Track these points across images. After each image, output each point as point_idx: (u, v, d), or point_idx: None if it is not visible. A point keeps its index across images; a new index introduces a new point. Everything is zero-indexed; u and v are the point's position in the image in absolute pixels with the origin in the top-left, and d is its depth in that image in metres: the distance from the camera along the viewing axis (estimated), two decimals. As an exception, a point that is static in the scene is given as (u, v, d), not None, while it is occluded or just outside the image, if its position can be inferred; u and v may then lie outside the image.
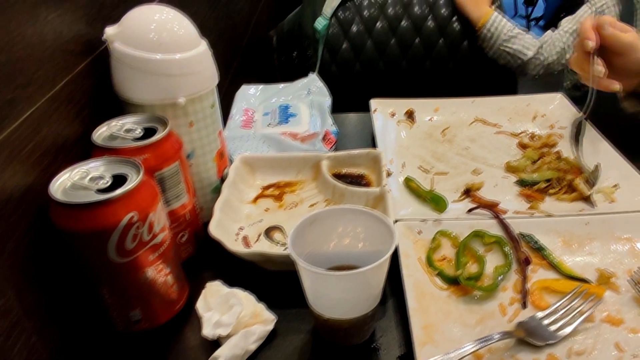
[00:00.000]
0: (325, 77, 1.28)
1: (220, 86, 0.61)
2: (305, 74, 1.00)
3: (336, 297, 0.47)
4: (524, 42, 1.24)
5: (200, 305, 0.51)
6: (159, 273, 0.49)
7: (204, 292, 0.53)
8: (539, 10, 3.88)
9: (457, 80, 1.31)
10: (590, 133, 0.85)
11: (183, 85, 0.56)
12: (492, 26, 1.21)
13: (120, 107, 0.57)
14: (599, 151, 0.80)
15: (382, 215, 0.49)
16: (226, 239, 0.58)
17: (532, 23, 3.90)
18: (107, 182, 0.45)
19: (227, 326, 0.48)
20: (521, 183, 0.75)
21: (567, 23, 1.22)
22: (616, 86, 0.77)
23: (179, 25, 0.56)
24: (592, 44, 0.76)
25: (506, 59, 1.24)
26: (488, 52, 1.25)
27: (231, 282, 0.55)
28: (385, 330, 0.54)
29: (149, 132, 0.53)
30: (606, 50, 0.78)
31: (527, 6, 3.89)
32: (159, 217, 0.48)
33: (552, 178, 0.74)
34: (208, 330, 0.49)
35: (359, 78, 1.29)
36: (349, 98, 1.02)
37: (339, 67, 1.27)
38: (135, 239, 0.45)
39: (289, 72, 1.29)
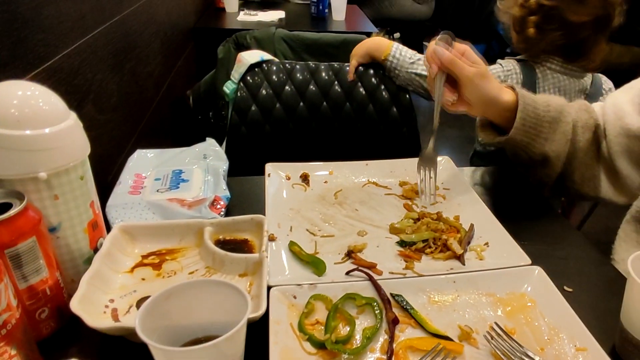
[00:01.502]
0: (235, 138, 1.32)
1: (121, 149, 0.62)
2: (221, 133, 1.02)
3: (188, 371, 0.47)
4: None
5: (49, 387, 0.49)
6: (1, 357, 0.47)
7: (56, 372, 0.51)
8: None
9: (366, 140, 1.38)
10: (469, 194, 0.92)
11: (45, 160, 0.56)
12: (395, 54, 1.30)
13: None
14: (474, 210, 0.87)
15: (238, 287, 0.50)
16: (91, 313, 0.57)
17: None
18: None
19: (73, 409, 0.47)
20: (401, 244, 0.79)
21: None
22: (463, 109, 0.87)
23: (43, 100, 0.57)
24: (432, 72, 0.85)
25: (415, 82, 1.31)
26: (397, 79, 1.32)
27: (99, 358, 0.54)
28: (252, 400, 0.54)
29: (4, 208, 0.52)
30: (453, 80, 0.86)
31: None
32: (1, 297, 0.46)
33: (428, 238, 0.78)
34: (53, 415, 0.47)
35: (270, 138, 1.33)
36: (260, 159, 1.05)
37: (249, 128, 1.30)
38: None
39: (205, 132, 1.31)
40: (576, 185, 0.95)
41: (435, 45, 0.85)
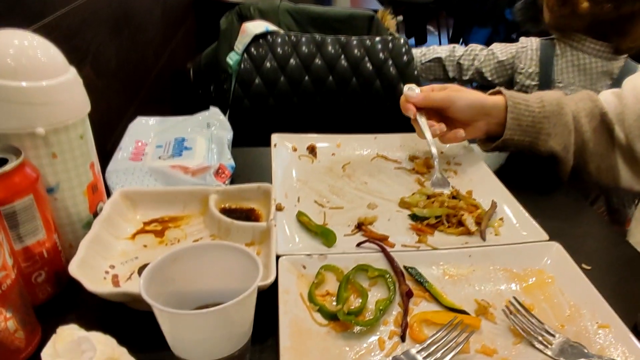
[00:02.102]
0: (238, 111, 1.28)
1: (121, 117, 0.59)
2: (222, 107, 0.98)
3: (196, 337, 0.44)
4: (435, 49, 1.44)
5: (47, 352, 0.46)
6: (-4, 318, 0.44)
7: (53, 337, 0.47)
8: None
9: (372, 117, 1.34)
10: (481, 169, 0.89)
11: (42, 115, 0.52)
12: (415, 54, 1.38)
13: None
14: (487, 185, 0.84)
15: (248, 250, 0.47)
16: (91, 278, 0.54)
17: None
18: None
19: (72, 375, 0.44)
20: (413, 217, 0.76)
21: (496, 46, 1.39)
22: (460, 134, 0.86)
23: (41, 51, 0.53)
24: (411, 114, 0.87)
25: (431, 69, 1.32)
26: (416, 70, 1.34)
27: (98, 326, 0.51)
28: (260, 371, 0.52)
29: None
30: (437, 111, 0.88)
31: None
32: (-5, 256, 0.43)
33: (441, 215, 0.75)
34: (51, 381, 0.44)
35: (274, 112, 1.29)
36: (263, 132, 1.01)
37: (252, 101, 1.27)
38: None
39: (206, 106, 1.28)
40: (593, 177, 0.92)
41: (404, 93, 0.88)
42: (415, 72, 1.32)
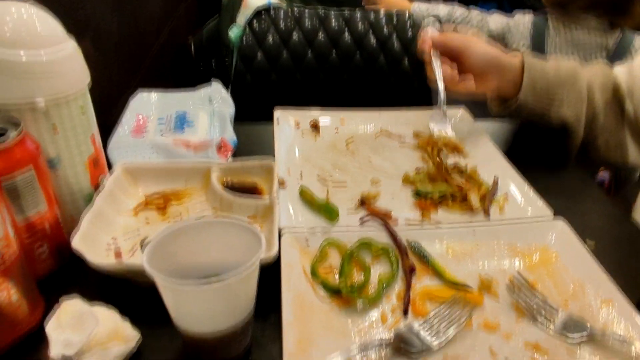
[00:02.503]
0: (240, 86, 1.26)
1: (122, 91, 0.58)
2: (224, 82, 0.97)
3: (198, 310, 0.44)
4: (437, 7, 1.43)
5: (50, 324, 0.46)
6: (0, 291, 0.44)
7: (57, 310, 0.48)
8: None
9: (376, 93, 1.33)
10: (487, 145, 0.88)
11: (42, 86, 0.51)
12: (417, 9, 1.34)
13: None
14: (493, 162, 0.83)
15: (251, 226, 0.47)
16: (94, 252, 0.54)
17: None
18: None
19: (75, 345, 0.44)
20: (417, 194, 0.75)
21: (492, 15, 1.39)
22: (471, 84, 0.83)
23: (39, 22, 0.52)
24: (427, 48, 0.84)
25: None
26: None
27: (100, 300, 0.51)
28: (264, 346, 0.52)
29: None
30: (453, 57, 0.85)
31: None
32: (-5, 227, 0.43)
33: (446, 192, 0.74)
34: (55, 351, 0.44)
35: (276, 88, 1.28)
36: (266, 108, 1.00)
37: (254, 77, 1.25)
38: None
39: (208, 80, 1.26)
40: (601, 153, 0.91)
41: (425, 28, 0.86)
42: None
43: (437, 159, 0.83)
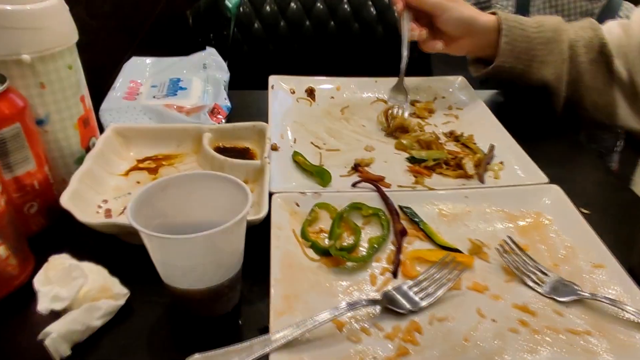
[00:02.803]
0: (238, 56, 1.25)
1: (117, 62, 0.57)
2: (222, 55, 0.95)
3: (184, 264, 0.44)
4: None
5: (38, 279, 0.47)
6: (-13, 244, 0.44)
7: (45, 265, 0.48)
8: None
9: (373, 63, 1.31)
10: (484, 113, 0.86)
11: (28, 40, 0.51)
12: None
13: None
14: (489, 129, 0.82)
15: (237, 180, 0.47)
16: (84, 210, 0.54)
17: None
18: None
19: (64, 300, 0.44)
20: (411, 160, 0.74)
21: None
22: (438, 46, 0.83)
23: (24, -26, 0.51)
24: (399, 6, 0.82)
25: None
26: None
27: (90, 258, 0.51)
28: (252, 302, 0.52)
29: (-18, 90, 0.47)
30: (428, 17, 0.84)
31: None
32: (-18, 181, 0.43)
33: (439, 158, 0.74)
34: (43, 305, 0.44)
35: (273, 58, 1.26)
36: (263, 78, 0.99)
37: (251, 46, 1.24)
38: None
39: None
40: (589, 114, 0.89)
41: None
42: None
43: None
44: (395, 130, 0.80)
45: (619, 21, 0.89)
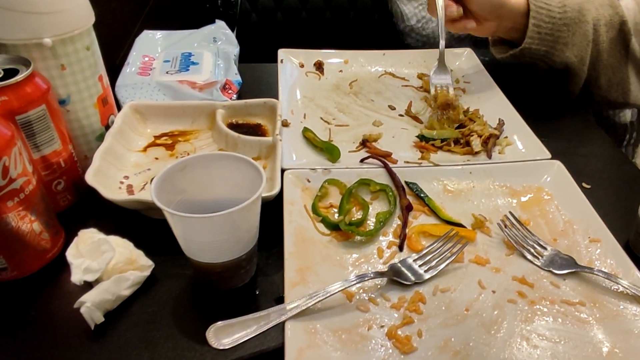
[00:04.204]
0: (246, 26, 1.25)
1: (128, 32, 0.59)
2: (230, 23, 0.96)
3: (204, 240, 0.48)
4: None
5: (70, 252, 0.50)
6: (22, 220, 0.48)
7: (75, 239, 0.51)
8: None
9: (383, 32, 1.31)
10: (490, 87, 0.88)
11: (48, 24, 0.52)
12: None
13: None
14: (495, 103, 0.83)
15: (252, 161, 0.49)
16: (107, 187, 0.57)
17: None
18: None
19: (95, 272, 0.48)
20: (420, 138, 0.76)
21: None
22: (470, 24, 0.81)
23: (41, -42, 0.52)
24: None
25: None
26: None
27: (115, 232, 0.54)
28: (267, 274, 0.55)
29: (9, 74, 0.50)
30: None
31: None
32: (16, 161, 0.46)
33: (449, 138, 0.75)
34: (76, 277, 0.48)
35: (282, 28, 1.26)
36: (271, 49, 1.00)
37: (260, 16, 1.23)
38: (-13, 184, 0.43)
39: (213, 21, 1.25)
40: (602, 92, 0.89)
41: None
42: None
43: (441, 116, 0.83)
44: (440, 107, 0.81)
45: None
